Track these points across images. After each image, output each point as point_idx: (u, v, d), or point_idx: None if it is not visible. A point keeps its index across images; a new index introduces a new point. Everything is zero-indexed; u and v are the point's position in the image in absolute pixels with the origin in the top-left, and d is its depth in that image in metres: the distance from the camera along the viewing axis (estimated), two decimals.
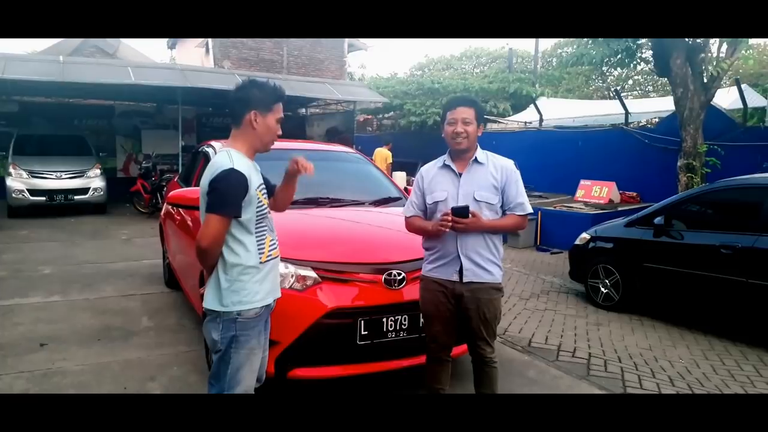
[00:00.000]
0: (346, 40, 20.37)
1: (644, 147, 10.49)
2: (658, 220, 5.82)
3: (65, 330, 4.97)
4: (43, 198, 11.42)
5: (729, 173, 6.87)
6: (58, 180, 11.57)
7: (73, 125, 15.15)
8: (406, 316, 3.53)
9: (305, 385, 3.66)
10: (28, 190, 11.30)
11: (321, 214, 4.28)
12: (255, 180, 2.49)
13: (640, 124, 12.30)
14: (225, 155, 2.46)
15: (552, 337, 5.22)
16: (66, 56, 12.38)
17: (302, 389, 3.72)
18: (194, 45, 20.39)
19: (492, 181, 3.01)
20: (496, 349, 3.18)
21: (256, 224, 2.52)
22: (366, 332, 3.44)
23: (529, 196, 3.18)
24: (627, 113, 11.34)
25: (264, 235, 2.56)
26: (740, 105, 9.78)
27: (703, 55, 8.37)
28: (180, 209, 5.12)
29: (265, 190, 2.56)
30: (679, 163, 8.44)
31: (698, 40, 8.19)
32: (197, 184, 5.28)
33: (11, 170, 11.39)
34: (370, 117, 20.89)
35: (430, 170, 3.16)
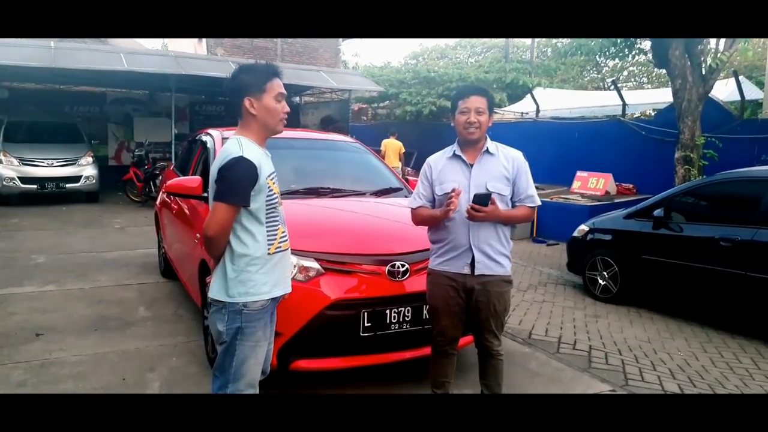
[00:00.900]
0: None
1: (641, 138, 10.48)
2: (657, 212, 5.80)
3: (61, 320, 4.91)
4: (35, 186, 11.29)
5: (726, 166, 6.87)
6: (49, 168, 11.42)
7: (64, 112, 14.97)
8: (409, 307, 3.49)
9: (308, 376, 3.63)
10: (18, 177, 11.16)
11: (322, 204, 4.23)
12: (266, 168, 2.43)
13: (635, 116, 12.29)
14: (235, 143, 2.42)
15: (552, 329, 5.21)
16: (57, 42, 12.16)
17: (305, 384, 3.68)
18: None
19: (504, 172, 2.97)
20: None
21: (267, 214, 2.46)
22: (369, 324, 3.41)
23: None
24: (624, 104, 11.32)
25: (276, 226, 2.51)
26: (736, 97, 9.79)
27: (701, 46, 8.36)
28: (177, 198, 5.05)
29: (276, 179, 2.50)
30: (676, 155, 8.44)
31: None
32: (194, 173, 5.27)
33: (1, 158, 11.22)
34: (365, 106, 20.78)
35: (439, 161, 3.09)
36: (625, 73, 26.03)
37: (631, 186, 10.54)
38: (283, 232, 2.55)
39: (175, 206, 5.29)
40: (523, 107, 14.64)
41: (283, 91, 2.51)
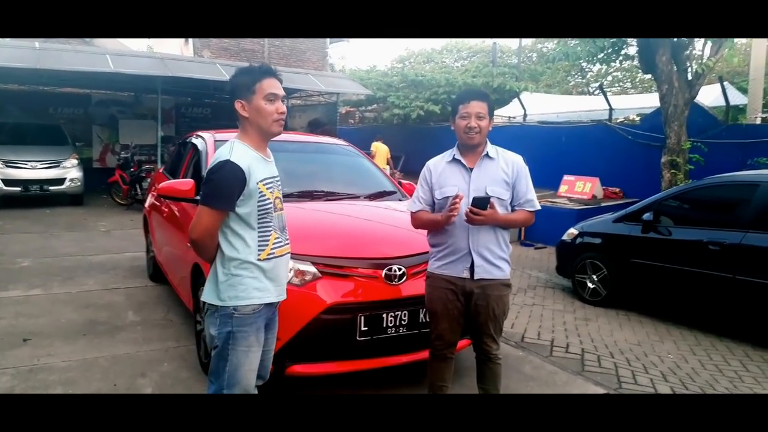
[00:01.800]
0: None
1: (627, 143, 10.59)
2: (646, 216, 5.86)
3: (48, 325, 4.83)
4: (18, 188, 11.10)
5: (712, 170, 6.97)
6: (33, 170, 11.24)
7: (48, 114, 14.77)
8: (406, 311, 3.48)
9: (304, 380, 3.60)
10: (1, 180, 10.97)
11: (317, 207, 4.20)
12: (258, 173, 2.39)
13: (618, 121, 12.41)
14: (227, 146, 2.41)
15: (544, 333, 5.23)
16: (41, 42, 12.01)
17: (301, 386, 3.66)
18: None
19: (503, 176, 2.97)
20: None
21: (259, 219, 2.43)
22: (366, 328, 3.39)
23: None
24: (611, 109, 11.43)
25: (269, 232, 2.46)
26: (721, 102, 9.93)
27: (687, 52, 8.47)
28: (168, 201, 4.99)
29: (271, 185, 2.47)
30: (663, 160, 8.54)
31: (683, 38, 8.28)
32: (185, 176, 5.22)
33: None
34: (352, 109, 20.78)
35: (438, 164, 3.08)
36: (610, 78, 26.32)
37: (617, 190, 10.64)
38: (277, 238, 2.51)
39: (166, 209, 5.23)
40: (511, 111, 14.75)
41: (276, 91, 2.44)
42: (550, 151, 11.93)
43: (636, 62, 10.14)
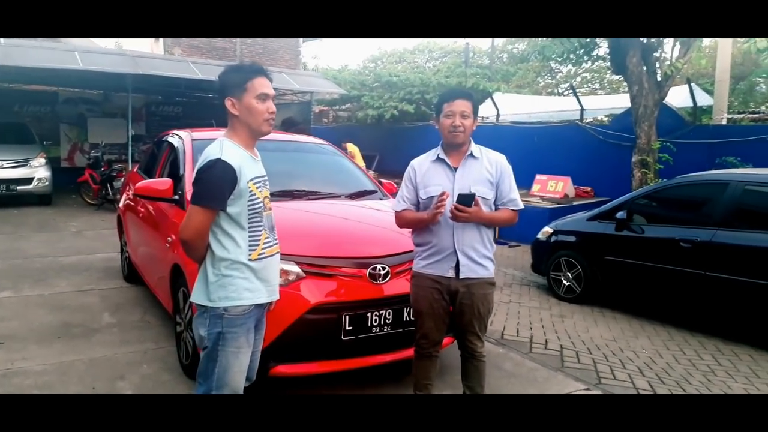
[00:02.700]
0: None
1: (598, 143, 10.77)
2: (620, 214, 5.97)
3: (21, 327, 4.72)
4: None
5: (680, 169, 7.14)
6: None
7: (13, 112, 14.37)
8: (390, 310, 3.50)
9: (288, 381, 3.59)
10: None
11: (299, 207, 4.19)
12: (248, 172, 2.38)
13: (588, 121, 12.63)
14: (216, 145, 2.39)
15: (522, 330, 5.30)
16: (8, 39, 11.67)
17: (287, 387, 3.65)
18: None
19: (487, 176, 3.00)
20: None
21: (250, 219, 2.42)
22: (350, 327, 3.40)
23: None
24: (582, 109, 11.61)
25: (259, 231, 2.45)
26: (688, 103, 10.17)
27: (657, 54, 8.66)
28: (145, 201, 4.92)
29: (260, 184, 2.46)
30: (633, 159, 8.70)
31: (653, 40, 8.46)
32: (162, 176, 5.15)
33: None
34: (326, 108, 20.70)
35: (423, 164, 3.10)
36: (579, 79, 26.70)
37: (589, 189, 10.82)
38: (267, 238, 2.50)
39: (142, 209, 5.15)
40: (483, 111, 14.84)
41: (268, 90, 2.44)
42: (523, 151, 12.02)
43: (605, 63, 10.35)
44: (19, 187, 11.11)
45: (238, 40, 18.48)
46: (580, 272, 6.30)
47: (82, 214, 11.01)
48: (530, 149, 11.92)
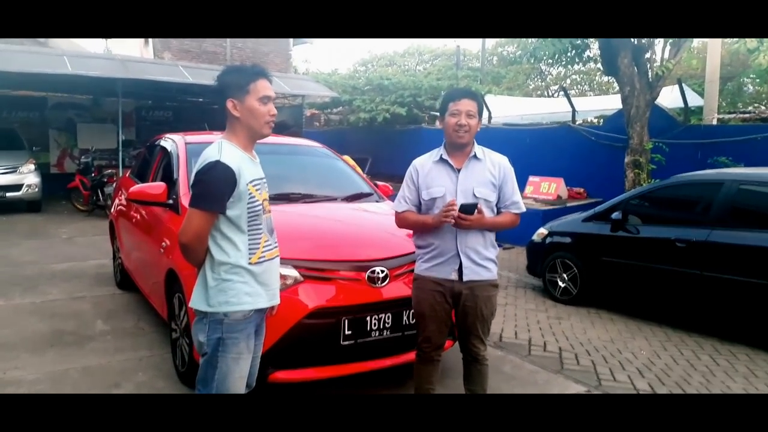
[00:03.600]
0: None
1: (590, 144, 10.79)
2: (615, 215, 5.95)
3: (13, 336, 4.64)
4: None
5: (672, 170, 7.15)
6: None
7: (1, 118, 14.23)
8: (389, 314, 3.47)
9: (288, 387, 3.54)
10: None
11: (295, 210, 4.15)
12: (247, 174, 2.34)
13: (578, 123, 12.67)
14: (215, 147, 2.34)
15: (520, 332, 5.28)
16: None
17: (286, 388, 3.60)
18: None
19: (490, 178, 2.97)
20: None
21: (249, 222, 2.38)
22: (350, 332, 3.36)
23: None
24: (574, 111, 11.64)
25: (259, 235, 2.42)
26: (678, 104, 10.22)
27: (648, 55, 8.69)
28: (138, 206, 4.86)
29: (260, 186, 2.42)
30: (626, 160, 8.71)
31: (644, 41, 8.49)
32: (155, 180, 5.08)
33: None
34: (317, 112, 20.66)
35: (425, 164, 3.05)
36: (569, 80, 26.86)
37: (581, 190, 10.83)
38: (267, 241, 2.47)
39: (135, 214, 5.09)
40: None
41: (270, 93, 2.42)
42: (515, 153, 11.85)
43: (595, 65, 10.38)
44: (8, 194, 10.99)
45: (229, 44, 18.41)
46: (576, 273, 6.29)
47: (72, 221, 10.89)
48: (522, 151, 11.91)
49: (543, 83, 29.05)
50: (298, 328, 3.27)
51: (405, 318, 3.50)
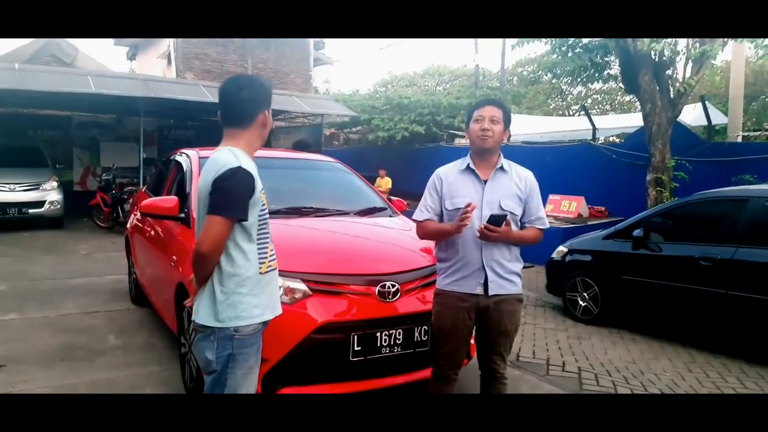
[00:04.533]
0: (312, 54, 20.23)
1: (611, 162, 10.65)
2: (636, 232, 5.81)
3: (24, 350, 4.63)
4: None
5: (696, 188, 6.97)
6: (11, 192, 10.96)
7: (27, 136, 14.47)
8: (400, 330, 3.37)
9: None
10: None
11: (306, 224, 4.09)
12: (259, 181, 2.29)
13: (600, 141, 12.52)
14: (228, 153, 2.25)
15: (539, 351, 5.14)
16: (21, 64, 11.85)
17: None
18: (156, 56, 19.93)
19: (516, 191, 2.88)
20: None
21: (259, 230, 2.31)
22: (359, 348, 3.27)
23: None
24: (594, 129, 11.51)
25: (266, 243, 2.35)
26: (702, 122, 10.05)
27: (669, 72, 8.56)
28: (151, 220, 4.85)
29: (265, 193, 2.36)
30: (648, 178, 8.55)
31: (665, 57, 8.37)
32: (168, 194, 5.08)
33: None
34: (336, 131, 20.77)
35: (450, 173, 2.95)
36: (590, 100, 26.69)
37: (602, 209, 10.66)
38: (272, 250, 2.41)
39: (149, 229, 5.08)
40: None
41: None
42: (535, 171, 11.47)
43: (616, 84, 10.25)
44: (30, 210, 11.13)
45: (250, 64, 18.64)
46: (597, 292, 6.13)
47: (92, 237, 11.00)
48: (542, 169, 11.71)
49: (563, 103, 28.91)
50: (306, 343, 3.19)
51: (417, 334, 3.41)
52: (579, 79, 9.71)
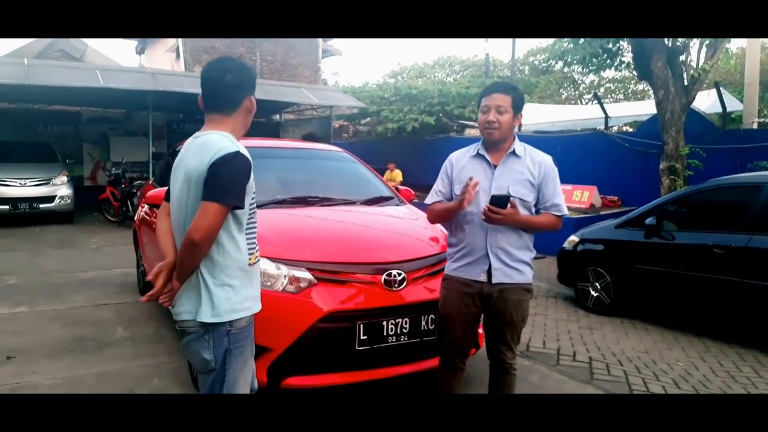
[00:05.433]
0: (321, 46, 20.17)
1: (624, 151, 10.50)
2: (649, 220, 5.70)
3: (34, 342, 4.63)
4: (7, 207, 10.88)
5: (710, 175, 6.85)
6: (22, 188, 11.03)
7: (38, 132, 14.60)
8: (407, 318, 3.32)
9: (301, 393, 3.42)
10: None
11: (312, 213, 4.05)
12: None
13: (613, 129, 12.36)
14: (223, 137, 2.13)
15: (549, 342, 5.07)
16: (31, 59, 11.89)
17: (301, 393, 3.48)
18: (164, 50, 19.95)
19: (528, 177, 2.77)
20: None
21: (249, 219, 2.24)
22: (365, 337, 3.23)
23: None
24: (607, 117, 11.36)
25: (255, 232, 2.28)
26: (716, 109, 9.87)
27: (683, 57, 8.41)
28: (156, 210, 4.82)
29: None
30: (661, 166, 8.43)
31: (678, 43, 8.22)
32: None
33: None
34: (345, 123, 20.71)
35: (461, 158, 2.89)
36: (602, 89, 26.39)
37: (615, 198, 10.54)
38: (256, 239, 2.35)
39: (155, 221, 5.05)
40: None
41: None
42: None
43: (629, 72, 10.09)
44: (41, 205, 11.19)
45: (258, 57, 18.61)
46: (609, 282, 6.05)
47: (102, 231, 11.04)
48: (554, 159, 11.62)
49: (576, 92, 28.62)
50: (311, 332, 3.15)
51: (424, 323, 3.35)
52: (591, 67, 9.54)
